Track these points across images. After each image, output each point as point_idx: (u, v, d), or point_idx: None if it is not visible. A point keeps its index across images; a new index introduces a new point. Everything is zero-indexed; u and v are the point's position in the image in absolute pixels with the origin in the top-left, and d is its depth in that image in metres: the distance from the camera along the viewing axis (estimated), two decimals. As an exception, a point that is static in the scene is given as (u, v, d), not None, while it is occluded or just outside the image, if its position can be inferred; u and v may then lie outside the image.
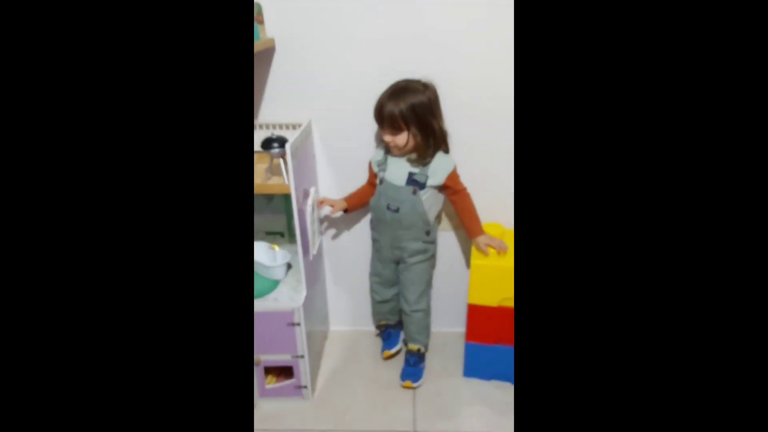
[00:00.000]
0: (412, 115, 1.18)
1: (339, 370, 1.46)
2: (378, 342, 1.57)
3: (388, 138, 1.23)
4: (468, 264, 1.53)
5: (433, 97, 1.21)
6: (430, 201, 1.30)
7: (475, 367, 1.40)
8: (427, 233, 1.33)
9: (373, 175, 1.35)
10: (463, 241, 1.51)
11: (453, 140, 1.30)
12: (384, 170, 1.30)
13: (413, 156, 1.25)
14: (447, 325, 1.61)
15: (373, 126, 1.32)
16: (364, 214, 1.46)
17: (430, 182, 1.26)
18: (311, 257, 1.30)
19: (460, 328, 1.62)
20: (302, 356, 1.29)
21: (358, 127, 1.35)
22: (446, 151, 1.27)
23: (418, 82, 1.22)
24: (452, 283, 1.55)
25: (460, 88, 1.28)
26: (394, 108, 1.17)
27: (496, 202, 1.39)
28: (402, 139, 1.21)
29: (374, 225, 1.37)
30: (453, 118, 1.29)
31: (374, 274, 1.43)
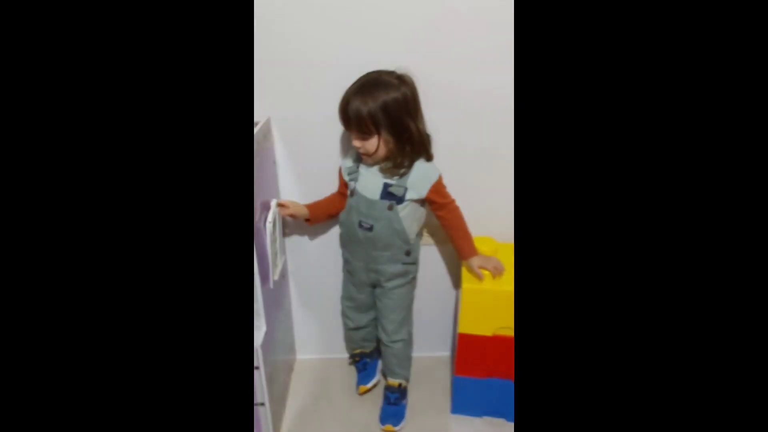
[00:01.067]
0: (383, 115, 0.97)
1: (308, 412, 1.25)
2: (352, 371, 1.37)
3: (356, 143, 1.02)
4: (454, 282, 1.35)
5: (410, 94, 1.00)
6: (410, 217, 1.09)
7: (464, 403, 1.22)
8: (407, 253, 1.12)
9: (343, 184, 1.13)
10: (448, 256, 1.31)
11: (435, 144, 1.09)
12: (355, 180, 1.08)
13: (387, 164, 1.04)
14: (429, 349, 1.42)
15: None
16: (335, 226, 1.25)
17: (410, 195, 1.05)
18: (272, 285, 1.08)
19: (445, 352, 1.44)
20: (262, 404, 1.08)
21: (329, 126, 1.12)
22: (428, 158, 1.06)
23: (391, 74, 1.00)
24: (435, 303, 1.36)
25: (443, 84, 1.07)
26: (362, 107, 0.96)
27: (486, 213, 1.19)
28: (372, 144, 1.00)
29: (345, 243, 1.16)
30: (435, 119, 1.08)
31: (347, 298, 1.23)
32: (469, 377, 1.18)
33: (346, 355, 1.42)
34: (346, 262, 1.18)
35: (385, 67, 1.02)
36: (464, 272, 1.13)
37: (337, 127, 1.11)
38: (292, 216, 1.14)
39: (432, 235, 1.27)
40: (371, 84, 0.98)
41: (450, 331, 1.42)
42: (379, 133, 0.99)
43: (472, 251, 1.10)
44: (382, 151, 1.01)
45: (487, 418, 1.22)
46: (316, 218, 1.16)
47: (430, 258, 1.30)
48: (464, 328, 1.13)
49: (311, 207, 1.15)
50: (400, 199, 1.05)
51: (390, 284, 1.14)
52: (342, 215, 1.12)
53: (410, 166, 1.04)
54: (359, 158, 1.09)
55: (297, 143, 1.16)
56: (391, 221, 1.06)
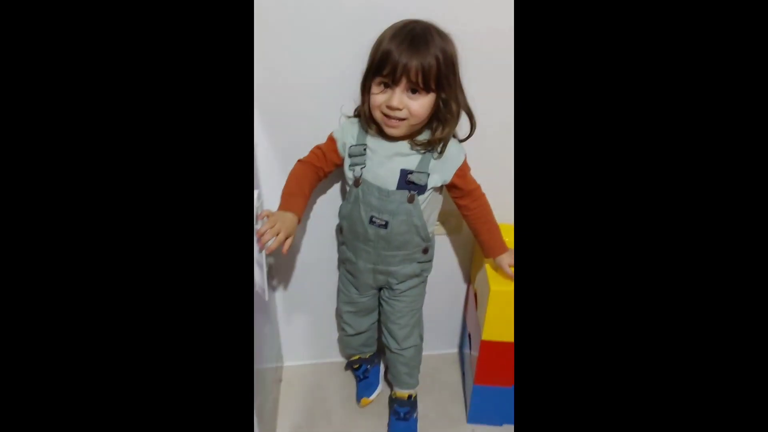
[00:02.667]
0: (446, 68, 0.76)
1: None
2: (348, 378, 1.20)
3: (396, 102, 0.77)
4: (465, 276, 1.18)
5: (456, 54, 0.79)
6: (431, 207, 0.90)
7: (482, 411, 1.09)
8: (425, 251, 0.94)
9: (332, 155, 0.89)
10: (459, 246, 1.14)
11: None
12: (361, 164, 0.86)
13: (422, 137, 0.83)
14: (437, 347, 1.27)
15: (346, 98, 0.87)
16: (322, 215, 1.03)
17: (433, 182, 0.85)
18: (266, 297, 0.86)
19: (452, 350, 1.29)
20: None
21: (324, 103, 0.89)
22: (462, 138, 0.86)
23: (434, 27, 0.78)
24: (444, 298, 1.19)
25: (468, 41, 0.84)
26: (425, 58, 0.74)
27: (501, 197, 0.99)
28: (421, 105, 0.77)
29: (347, 241, 0.95)
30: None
31: (347, 302, 1.03)
32: (490, 386, 1.04)
33: (340, 359, 1.24)
34: (347, 262, 0.98)
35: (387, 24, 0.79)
36: (490, 271, 0.96)
37: (330, 105, 0.87)
38: (287, 237, 0.80)
39: (443, 223, 1.09)
40: (426, 32, 0.76)
41: (458, 327, 1.27)
42: (438, 91, 0.77)
43: (502, 247, 0.92)
44: (426, 117, 0.80)
45: (507, 426, 1.10)
46: (302, 210, 0.90)
47: (439, 249, 1.10)
48: (489, 335, 0.97)
49: (293, 205, 0.86)
50: (422, 189, 0.85)
51: (402, 286, 0.96)
52: (345, 208, 0.91)
53: (449, 141, 0.83)
54: (363, 133, 0.86)
55: (282, 123, 0.92)
56: (410, 216, 0.86)
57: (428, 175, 0.84)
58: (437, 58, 0.75)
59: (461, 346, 1.28)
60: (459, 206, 0.92)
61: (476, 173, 0.91)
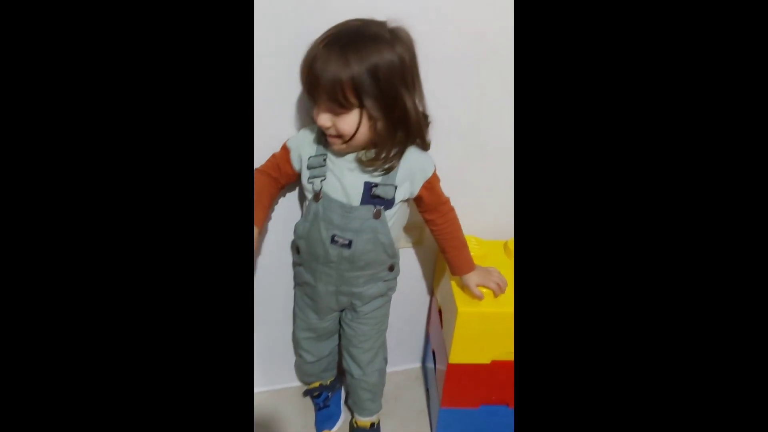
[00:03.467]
0: (371, 82, 0.66)
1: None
2: (306, 404, 1.11)
3: (324, 120, 0.70)
4: (429, 287, 1.13)
5: (409, 57, 0.70)
6: (398, 223, 0.83)
7: (450, 433, 1.04)
8: (391, 268, 0.87)
9: (285, 167, 0.80)
10: (422, 258, 1.08)
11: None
12: (321, 176, 0.78)
13: (368, 154, 0.75)
14: (400, 363, 1.20)
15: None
16: (274, 229, 0.93)
17: (401, 195, 0.78)
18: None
19: (415, 364, 1.24)
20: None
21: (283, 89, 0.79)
22: (424, 146, 0.79)
23: (381, 26, 0.69)
24: (407, 312, 1.13)
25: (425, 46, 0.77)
26: (340, 68, 0.65)
27: (467, 206, 0.93)
28: (349, 123, 0.69)
29: (305, 263, 0.86)
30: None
31: (305, 329, 0.94)
32: (457, 408, 0.99)
33: (296, 384, 1.15)
34: (305, 285, 0.88)
35: (370, 14, 0.71)
36: (456, 290, 0.90)
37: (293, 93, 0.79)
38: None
39: (408, 232, 1.02)
40: (354, 36, 0.66)
41: (421, 341, 1.21)
42: (362, 107, 0.69)
43: (469, 265, 0.87)
44: (364, 135, 0.71)
45: (474, 447, 1.05)
46: (261, 225, 0.83)
47: (401, 261, 1.04)
48: (457, 357, 0.92)
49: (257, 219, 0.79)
50: (389, 203, 0.78)
51: (367, 308, 0.88)
52: (302, 226, 0.81)
53: (400, 156, 0.76)
54: (324, 142, 0.78)
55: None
56: (377, 233, 0.78)
57: (395, 187, 0.77)
58: (358, 70, 0.64)
59: (424, 361, 1.22)
60: (426, 220, 0.86)
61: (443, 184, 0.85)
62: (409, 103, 0.71)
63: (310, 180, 0.78)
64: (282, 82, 0.77)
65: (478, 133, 0.92)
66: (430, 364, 1.14)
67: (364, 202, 0.76)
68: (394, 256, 0.84)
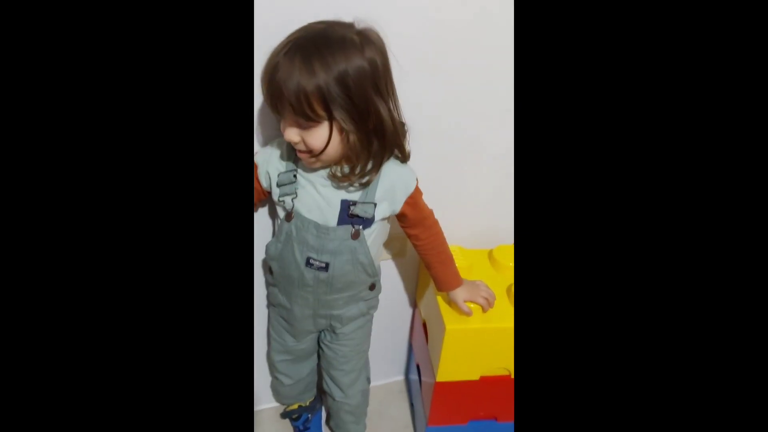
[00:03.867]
0: (340, 92, 0.60)
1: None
2: (284, 426, 1.04)
3: (291, 135, 0.63)
4: (411, 299, 1.07)
5: (381, 61, 0.63)
6: (378, 240, 0.77)
7: (437, 451, 1.00)
8: (372, 287, 0.81)
9: (254, 183, 0.74)
10: (404, 269, 1.03)
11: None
12: (292, 194, 0.71)
13: (342, 169, 0.68)
14: (382, 377, 1.15)
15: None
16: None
17: (381, 212, 0.72)
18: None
19: (398, 377, 1.19)
20: None
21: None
22: (403, 158, 0.72)
23: (349, 28, 0.63)
24: (389, 325, 1.07)
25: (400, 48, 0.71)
26: (305, 78, 0.58)
27: (448, 217, 0.87)
28: (318, 137, 0.63)
29: (278, 284, 0.79)
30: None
31: (281, 351, 0.88)
32: (444, 426, 0.95)
33: (273, 405, 1.09)
34: (280, 308, 0.82)
35: (335, 16, 0.64)
36: (443, 307, 0.85)
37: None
38: None
39: (386, 248, 0.96)
40: (319, 41, 0.59)
41: (404, 353, 1.16)
42: (331, 120, 0.62)
43: (456, 280, 0.82)
44: (336, 149, 0.64)
45: (462, 463, 1.02)
46: None
47: (383, 273, 0.99)
48: (445, 375, 0.87)
49: None
50: (368, 222, 0.72)
51: (347, 329, 0.82)
52: (273, 247, 0.74)
53: (378, 170, 0.69)
54: (294, 157, 0.71)
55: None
56: (355, 254, 0.72)
57: (375, 205, 0.71)
58: (324, 79, 0.58)
59: (407, 373, 1.18)
60: (409, 235, 0.80)
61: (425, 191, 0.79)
62: (383, 112, 0.64)
63: (281, 198, 0.71)
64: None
65: (459, 138, 0.87)
66: (414, 377, 1.10)
67: (341, 221, 0.70)
68: (374, 275, 0.78)
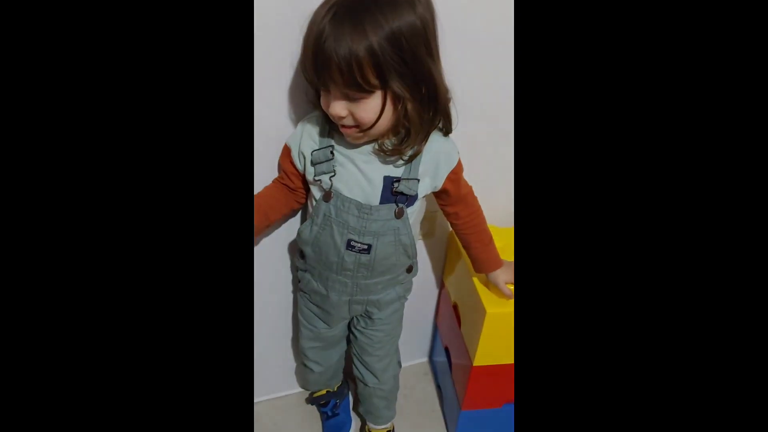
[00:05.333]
0: (394, 55, 0.54)
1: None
2: (311, 412, 1.02)
3: (338, 110, 0.57)
4: (438, 280, 1.04)
5: (431, 18, 0.57)
6: (417, 218, 0.73)
7: (469, 433, 0.98)
8: (410, 269, 0.77)
9: (290, 169, 0.69)
10: (431, 249, 0.99)
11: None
12: (329, 172, 0.65)
13: (390, 142, 0.63)
14: (407, 358, 1.12)
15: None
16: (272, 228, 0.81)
17: (424, 188, 0.67)
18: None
19: (422, 359, 1.16)
20: None
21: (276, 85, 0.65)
22: (447, 129, 0.67)
23: None
24: (415, 305, 1.03)
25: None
26: (357, 43, 0.52)
27: (485, 196, 0.83)
28: (370, 109, 0.57)
29: (312, 270, 0.75)
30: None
31: (312, 338, 0.83)
32: (479, 410, 0.93)
33: (297, 390, 1.05)
34: (313, 294, 0.77)
35: None
36: (481, 289, 0.81)
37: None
38: None
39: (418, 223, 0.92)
40: (365, 1, 0.53)
41: (429, 334, 1.13)
42: (385, 89, 0.56)
43: (497, 261, 0.78)
44: (387, 121, 0.59)
45: (494, 445, 1.00)
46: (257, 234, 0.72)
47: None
48: (482, 359, 0.84)
49: None
50: (412, 199, 0.67)
51: (383, 314, 0.78)
52: (307, 231, 0.69)
53: (426, 141, 0.63)
54: (329, 132, 0.65)
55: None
56: (399, 234, 0.68)
57: (418, 181, 0.66)
58: (376, 40, 0.52)
59: (432, 355, 1.15)
60: (447, 214, 0.75)
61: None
62: (436, 75, 0.59)
63: (317, 177, 0.65)
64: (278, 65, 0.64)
65: (493, 112, 0.81)
66: (439, 359, 1.07)
67: (384, 200, 0.65)
68: (414, 256, 0.74)
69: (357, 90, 0.55)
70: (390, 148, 0.62)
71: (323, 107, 0.60)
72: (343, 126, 0.60)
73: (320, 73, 0.55)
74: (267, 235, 0.83)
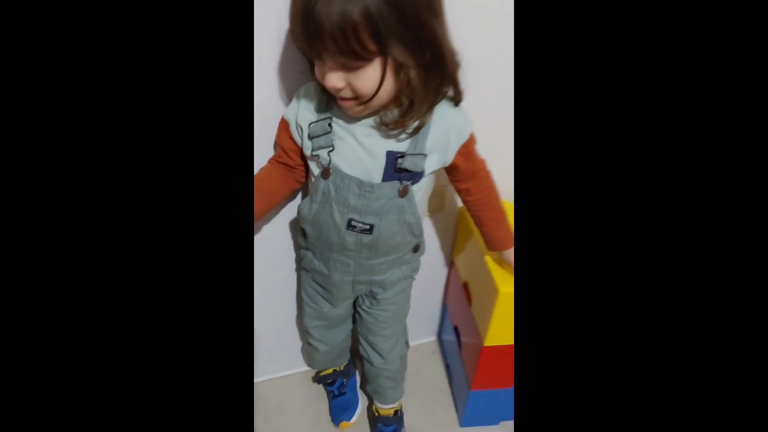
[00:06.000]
0: (394, 16, 0.48)
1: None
2: (317, 390, 1.00)
3: (334, 81, 0.52)
4: (447, 257, 1.00)
5: None
6: (425, 195, 0.68)
7: (478, 414, 0.95)
8: (416, 249, 0.73)
9: (289, 145, 0.65)
10: (441, 226, 0.94)
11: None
12: (328, 146, 0.61)
13: (391, 114, 0.58)
14: (415, 337, 1.09)
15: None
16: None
17: (431, 164, 0.62)
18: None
19: (430, 338, 1.14)
20: None
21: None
22: (457, 98, 0.61)
23: None
24: (423, 283, 0.99)
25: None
26: (351, 4, 0.46)
27: (498, 169, 0.80)
28: (369, 79, 0.52)
29: (314, 249, 0.71)
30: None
31: (315, 317, 0.81)
32: (488, 390, 0.90)
33: (304, 369, 1.04)
34: (314, 273, 0.74)
35: None
36: (493, 268, 0.77)
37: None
38: None
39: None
40: None
41: (437, 313, 1.11)
42: (384, 55, 0.51)
43: (511, 239, 0.73)
44: (388, 91, 0.54)
45: (505, 423, 0.98)
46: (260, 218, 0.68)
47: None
48: (493, 339, 0.81)
49: None
50: (417, 176, 0.62)
51: (389, 293, 0.75)
52: (306, 208, 0.65)
53: (431, 111, 0.58)
54: (327, 103, 0.60)
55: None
56: (403, 213, 0.63)
57: (425, 156, 0.61)
58: (367, 3, 0.46)
59: (440, 334, 1.13)
60: (458, 190, 0.71)
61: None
62: (443, 40, 0.53)
63: (315, 152, 0.61)
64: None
65: (506, 80, 0.75)
66: (448, 338, 1.05)
67: (386, 177, 0.60)
68: (420, 235, 0.70)
69: (353, 58, 0.49)
70: (392, 120, 0.57)
71: (318, 79, 0.55)
72: (342, 98, 0.55)
73: (312, 41, 0.50)
74: (274, 210, 0.79)
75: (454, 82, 0.58)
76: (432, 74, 0.54)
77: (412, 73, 0.53)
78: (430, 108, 0.57)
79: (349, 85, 0.53)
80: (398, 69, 0.52)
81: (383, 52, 0.50)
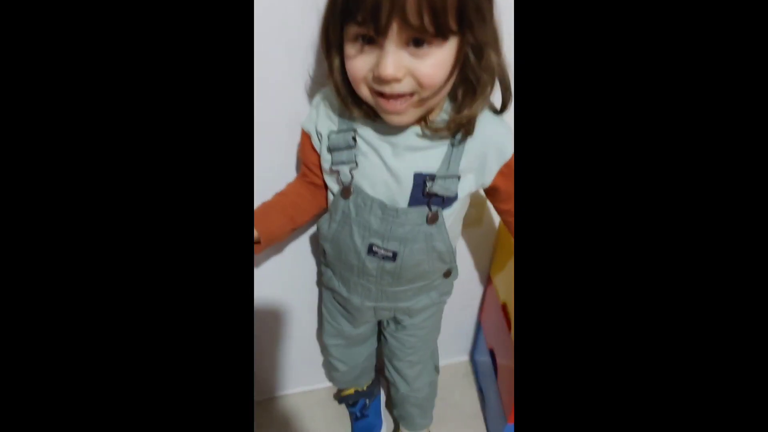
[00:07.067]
0: (474, 2, 0.41)
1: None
2: (340, 409, 0.95)
3: (395, 69, 0.42)
4: (483, 276, 0.91)
5: None
6: (459, 219, 0.60)
7: (513, 447, 0.88)
8: (447, 274, 0.65)
9: (315, 164, 0.58)
10: (478, 241, 0.86)
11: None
12: (350, 163, 0.54)
13: (438, 120, 0.50)
14: (446, 356, 1.01)
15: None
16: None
17: (466, 187, 0.54)
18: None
19: (463, 357, 1.06)
20: None
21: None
22: (503, 105, 0.51)
23: None
24: (457, 301, 0.91)
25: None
26: None
27: None
28: (440, 63, 0.43)
29: (333, 267, 0.65)
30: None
31: (335, 335, 0.75)
32: (525, 425, 0.82)
33: (325, 384, 0.99)
34: (334, 292, 0.68)
35: None
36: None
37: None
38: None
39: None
40: None
41: (471, 332, 1.03)
42: (462, 34, 0.42)
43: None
44: (448, 86, 0.46)
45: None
46: (272, 239, 0.60)
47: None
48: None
49: (261, 224, 0.59)
50: (449, 201, 0.54)
51: (416, 320, 0.68)
52: (327, 226, 0.59)
53: (483, 107, 0.49)
54: (349, 110, 0.52)
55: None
56: (431, 241, 0.56)
57: (458, 179, 0.53)
58: None
59: (473, 354, 1.05)
60: (500, 211, 0.62)
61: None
62: (496, 23, 0.45)
63: (334, 167, 0.54)
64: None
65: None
66: (482, 358, 0.97)
67: (413, 201, 0.53)
68: (452, 261, 0.62)
69: (435, 33, 0.41)
70: (439, 126, 0.48)
71: (355, 72, 0.45)
72: (390, 96, 0.45)
73: (383, 21, 0.40)
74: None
75: (504, 83, 0.49)
76: (489, 71, 0.46)
77: (475, 63, 0.44)
78: (480, 109, 0.48)
79: (412, 74, 0.43)
80: (466, 55, 0.44)
81: (462, 32, 0.42)
